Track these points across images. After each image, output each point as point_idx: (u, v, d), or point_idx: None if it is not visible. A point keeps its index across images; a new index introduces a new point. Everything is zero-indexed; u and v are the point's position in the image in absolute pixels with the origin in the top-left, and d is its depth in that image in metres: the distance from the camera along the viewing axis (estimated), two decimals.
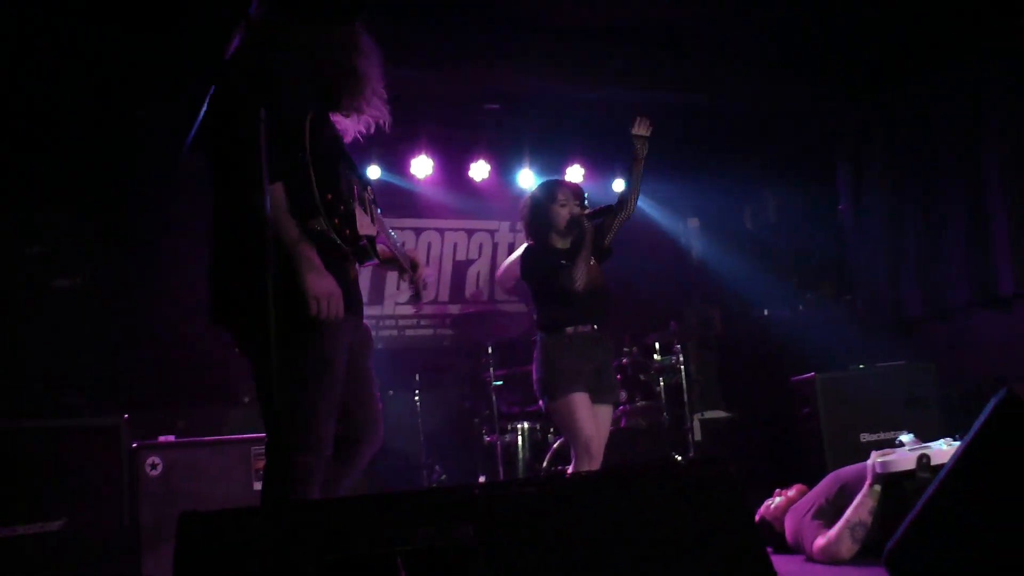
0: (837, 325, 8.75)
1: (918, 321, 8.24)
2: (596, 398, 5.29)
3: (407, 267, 3.91)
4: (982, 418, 3.04)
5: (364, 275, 8.55)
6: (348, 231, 3.24)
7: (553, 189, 5.53)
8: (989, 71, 7.46)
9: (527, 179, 9.22)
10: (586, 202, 5.57)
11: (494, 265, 9.74)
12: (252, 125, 3.01)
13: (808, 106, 8.83)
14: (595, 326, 5.37)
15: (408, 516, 2.29)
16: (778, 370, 7.84)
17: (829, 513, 5.22)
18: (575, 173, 9.28)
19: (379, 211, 3.65)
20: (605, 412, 5.40)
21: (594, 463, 5.28)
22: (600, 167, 9.48)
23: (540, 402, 5.38)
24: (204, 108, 3.32)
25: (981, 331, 7.71)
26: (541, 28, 7.35)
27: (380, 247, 3.59)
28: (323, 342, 3.25)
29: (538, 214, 5.53)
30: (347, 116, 3.55)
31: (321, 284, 3.15)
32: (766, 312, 9.37)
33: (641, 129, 5.50)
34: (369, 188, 3.58)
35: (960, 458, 3.13)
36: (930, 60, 7.90)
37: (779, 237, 9.97)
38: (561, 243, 5.51)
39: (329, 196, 3.19)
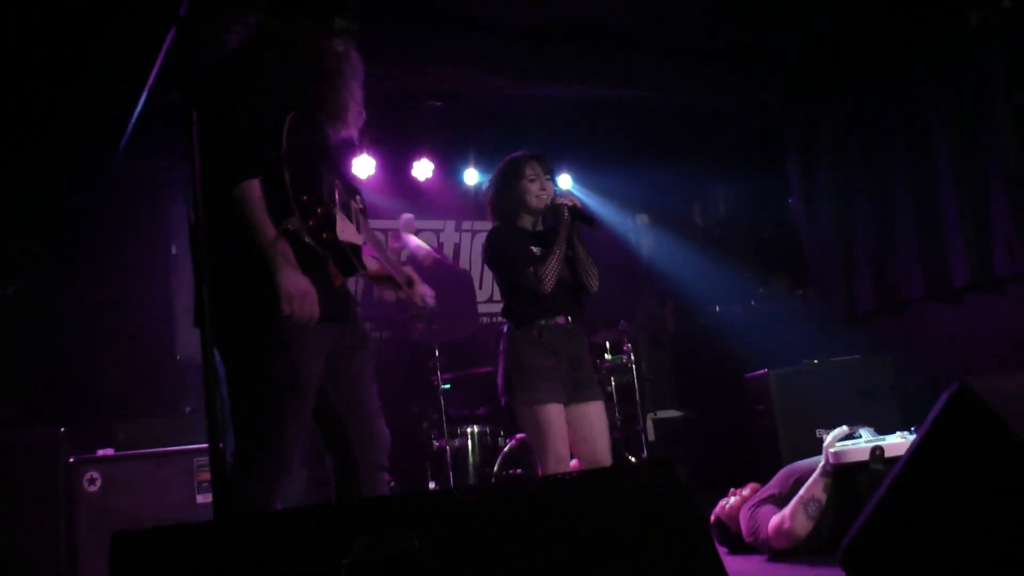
0: (790, 320, 8.81)
1: (872, 314, 8.30)
2: (576, 396, 4.92)
3: (402, 283, 3.86)
4: (934, 413, 3.06)
5: None
6: (326, 235, 3.23)
7: (519, 164, 5.12)
8: (938, 63, 7.52)
9: (472, 177, 9.21)
10: (556, 178, 5.26)
11: None
12: (211, 130, 3.09)
13: (754, 99, 8.87)
14: (569, 318, 4.99)
15: (351, 527, 2.27)
16: (731, 367, 7.90)
17: (782, 503, 5.27)
18: None
19: (368, 223, 3.65)
20: (594, 409, 4.99)
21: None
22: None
23: (502, 400, 5.02)
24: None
25: (935, 324, 7.78)
26: (483, 25, 7.33)
27: (369, 260, 3.59)
28: (290, 350, 3.22)
29: (504, 193, 5.15)
30: (328, 122, 3.50)
31: (295, 282, 3.14)
32: (718, 308, 9.42)
33: (562, 200, 5.07)
34: (359, 198, 3.56)
35: (913, 454, 3.15)
36: (878, 51, 7.96)
37: (730, 232, 10.03)
38: (531, 224, 5.15)
39: (305, 198, 3.18)
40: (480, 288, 9.97)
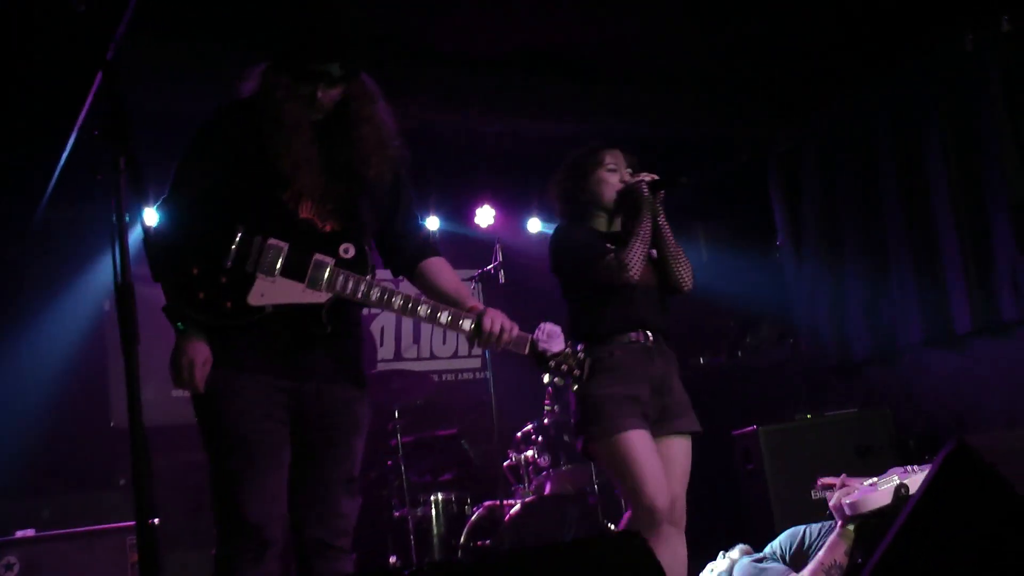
0: (780, 372, 8.81)
1: (867, 363, 8.28)
2: (659, 428, 4.43)
3: (460, 329, 3.64)
4: (931, 472, 3.08)
5: None
6: (230, 304, 3.37)
7: (597, 152, 4.70)
8: (930, 88, 7.55)
9: (432, 223, 9.21)
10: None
11: (399, 319, 9.69)
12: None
13: (735, 130, 8.90)
14: (649, 333, 4.50)
15: None
16: (717, 424, 7.82)
17: (793, 565, 5.25)
18: (485, 215, 9.28)
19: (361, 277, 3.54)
20: (678, 448, 4.51)
21: (662, 530, 4.31)
22: (513, 207, 9.48)
23: (578, 443, 4.54)
24: None
25: (936, 372, 7.75)
26: (442, 56, 7.36)
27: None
28: (224, 414, 3.39)
29: (575, 186, 4.72)
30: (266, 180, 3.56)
31: (176, 353, 3.38)
32: (702, 360, 9.41)
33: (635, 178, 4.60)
34: (346, 247, 3.52)
35: (910, 515, 3.16)
36: (866, 78, 8.02)
37: (712, 276, 10.05)
38: (606, 224, 4.73)
39: (195, 270, 3.38)
40: (444, 343, 9.97)
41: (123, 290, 2.87)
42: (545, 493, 7.47)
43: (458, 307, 3.66)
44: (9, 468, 7.04)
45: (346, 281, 3.48)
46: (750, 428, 7.15)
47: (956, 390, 7.58)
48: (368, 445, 8.19)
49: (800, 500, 6.78)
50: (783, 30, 7.48)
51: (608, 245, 4.53)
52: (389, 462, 7.68)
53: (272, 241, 3.43)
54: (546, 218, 9.74)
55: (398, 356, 9.72)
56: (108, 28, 5.17)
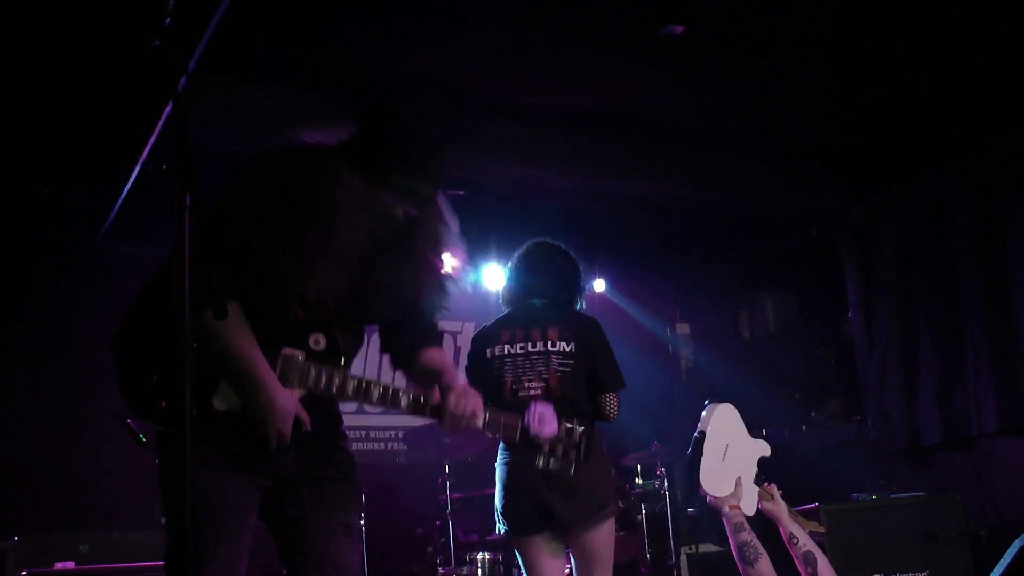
0: (845, 450, 8.70)
1: (939, 447, 8.18)
2: (555, 536, 4.83)
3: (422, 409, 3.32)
4: (1004, 565, 3.03)
5: None
6: (195, 409, 2.96)
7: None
8: (1012, 168, 7.52)
9: (495, 276, 9.23)
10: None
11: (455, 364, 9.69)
12: None
13: (809, 200, 8.87)
14: None
15: None
16: None
17: None
18: None
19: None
20: (591, 542, 4.89)
21: None
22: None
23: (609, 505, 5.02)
24: None
25: (1012, 460, 7.65)
26: (513, 109, 7.40)
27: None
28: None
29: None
30: None
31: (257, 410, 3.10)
32: (764, 433, 9.32)
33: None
34: (314, 340, 3.22)
35: None
36: (946, 152, 7.98)
37: (780, 348, 9.98)
38: None
39: (156, 377, 3.13)
40: None
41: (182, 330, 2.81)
42: None
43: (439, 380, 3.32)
44: (50, 501, 7.09)
45: (319, 376, 3.18)
46: (811, 505, 7.06)
47: None
48: (417, 500, 8.21)
49: None
50: (863, 103, 7.46)
51: None
52: (438, 521, 7.65)
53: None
54: (607, 279, 9.75)
55: None
56: (180, 63, 5.24)
